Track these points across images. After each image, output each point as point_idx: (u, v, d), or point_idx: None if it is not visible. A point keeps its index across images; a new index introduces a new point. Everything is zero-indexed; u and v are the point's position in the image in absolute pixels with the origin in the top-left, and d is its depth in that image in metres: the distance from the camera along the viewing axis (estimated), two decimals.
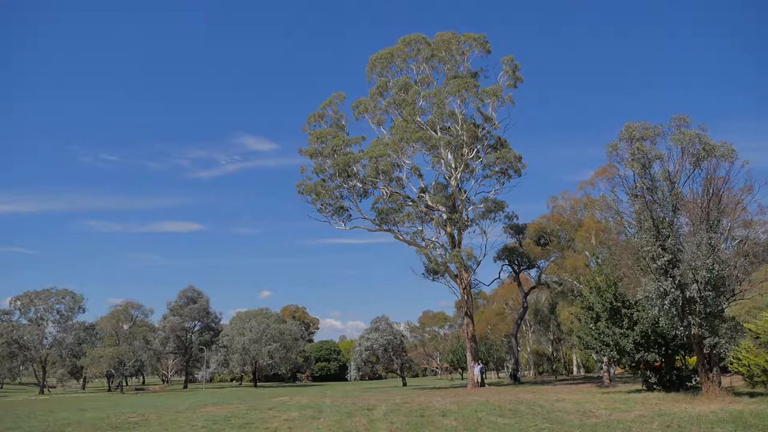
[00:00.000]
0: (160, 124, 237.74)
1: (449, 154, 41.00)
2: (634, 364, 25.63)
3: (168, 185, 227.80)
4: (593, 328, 26.54)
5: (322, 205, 41.52)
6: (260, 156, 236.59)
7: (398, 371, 64.42)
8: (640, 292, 20.94)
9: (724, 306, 19.82)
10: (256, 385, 71.75)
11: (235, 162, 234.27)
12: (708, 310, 18.91)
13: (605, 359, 31.91)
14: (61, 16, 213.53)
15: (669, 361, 24.37)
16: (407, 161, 41.38)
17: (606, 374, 36.28)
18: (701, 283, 18.37)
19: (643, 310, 22.33)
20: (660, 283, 19.17)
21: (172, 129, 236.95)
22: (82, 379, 77.96)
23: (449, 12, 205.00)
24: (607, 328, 25.34)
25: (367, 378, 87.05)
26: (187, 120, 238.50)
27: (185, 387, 74.54)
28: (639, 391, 25.00)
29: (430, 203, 41.67)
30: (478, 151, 41.93)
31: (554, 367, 66.23)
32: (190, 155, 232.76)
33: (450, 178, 41.88)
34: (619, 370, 43.78)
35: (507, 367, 71.36)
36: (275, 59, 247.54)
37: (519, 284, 50.08)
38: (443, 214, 41.40)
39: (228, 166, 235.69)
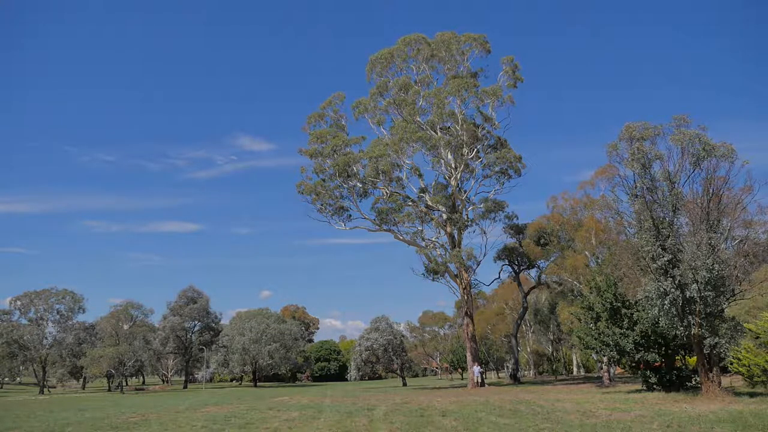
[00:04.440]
0: (157, 125, 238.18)
1: (449, 154, 40.99)
2: (634, 364, 25.63)
3: (166, 185, 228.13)
4: (593, 328, 26.56)
5: (322, 205, 41.52)
6: (257, 156, 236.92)
7: (398, 371, 64.39)
8: (640, 292, 20.94)
9: (724, 306, 19.82)
10: (256, 385, 71.75)
11: (232, 162, 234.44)
12: (708, 310, 18.90)
13: (605, 359, 31.93)
14: (60, 16, 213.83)
15: (669, 361, 24.37)
16: (407, 161, 41.39)
17: (606, 374, 36.30)
18: (701, 283, 18.36)
19: (643, 310, 22.33)
20: (660, 283, 19.17)
21: (169, 129, 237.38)
22: (82, 379, 77.90)
23: (449, 12, 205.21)
24: (607, 328, 25.34)
25: (367, 378, 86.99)
26: (185, 120, 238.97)
27: (185, 387, 74.51)
28: (639, 391, 25.01)
29: (430, 203, 41.66)
30: (478, 151, 41.92)
31: (554, 367, 66.23)
32: (188, 155, 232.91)
33: (450, 178, 41.87)
34: (619, 370, 43.82)
35: (507, 367, 71.39)
36: (273, 59, 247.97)
37: (519, 284, 50.07)
38: (443, 214, 41.39)
39: (225, 166, 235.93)
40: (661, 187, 19.98)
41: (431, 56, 42.05)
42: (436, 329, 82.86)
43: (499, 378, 70.72)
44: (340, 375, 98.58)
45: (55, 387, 79.67)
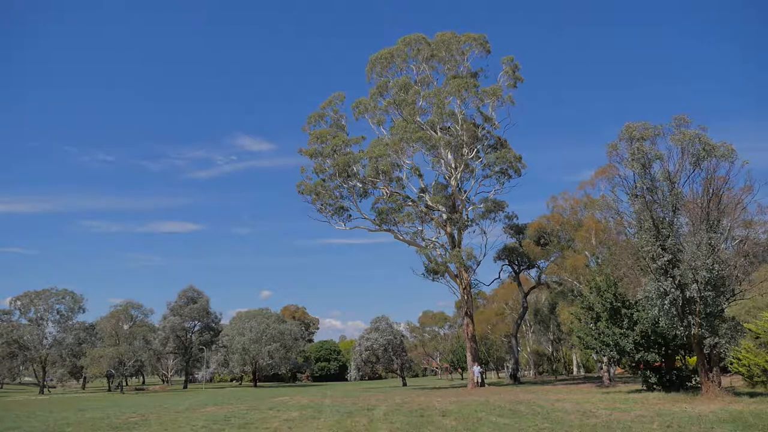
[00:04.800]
0: (157, 125, 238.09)
1: (449, 154, 40.98)
2: (634, 364, 25.64)
3: (165, 185, 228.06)
4: (593, 328, 26.55)
5: (322, 205, 41.51)
6: (257, 156, 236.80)
7: (398, 371, 64.38)
8: (640, 292, 20.93)
9: (724, 306, 19.82)
10: (256, 385, 71.76)
11: (232, 162, 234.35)
12: (708, 310, 18.90)
13: (605, 359, 31.91)
14: (59, 16, 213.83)
15: (669, 361, 24.37)
16: (407, 161, 41.39)
17: (606, 374, 36.29)
18: (701, 283, 18.36)
19: (643, 310, 22.32)
20: (660, 283, 19.16)
21: (169, 129, 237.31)
22: (82, 379, 77.91)
23: (449, 12, 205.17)
24: (607, 328, 25.34)
25: (367, 378, 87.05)
26: (184, 120, 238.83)
27: (185, 387, 74.49)
28: (639, 391, 25.01)
29: (430, 203, 41.65)
30: (478, 151, 41.92)
31: (554, 367, 66.21)
32: (188, 155, 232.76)
33: (450, 178, 41.87)
34: (619, 370, 43.78)
35: (507, 367, 71.38)
36: (273, 59, 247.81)
37: (519, 284, 50.06)
38: (443, 214, 41.39)
39: (225, 166, 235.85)
40: (661, 187, 19.97)
41: (431, 56, 42.03)
42: (436, 329, 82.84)
43: (499, 378, 70.71)
44: (340, 375, 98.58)
45: (55, 387, 79.68)
